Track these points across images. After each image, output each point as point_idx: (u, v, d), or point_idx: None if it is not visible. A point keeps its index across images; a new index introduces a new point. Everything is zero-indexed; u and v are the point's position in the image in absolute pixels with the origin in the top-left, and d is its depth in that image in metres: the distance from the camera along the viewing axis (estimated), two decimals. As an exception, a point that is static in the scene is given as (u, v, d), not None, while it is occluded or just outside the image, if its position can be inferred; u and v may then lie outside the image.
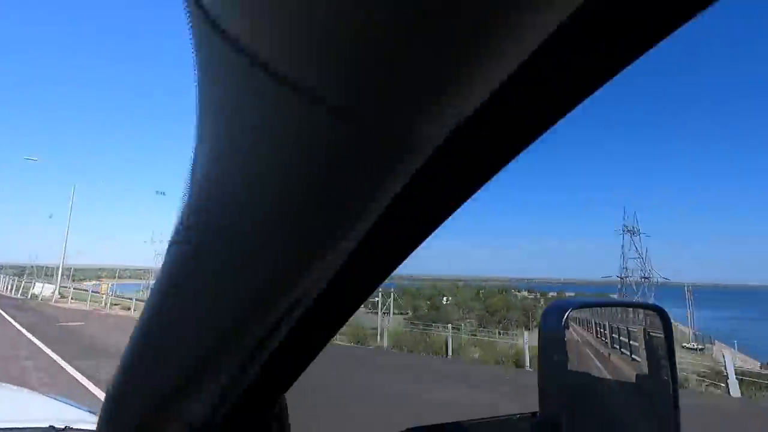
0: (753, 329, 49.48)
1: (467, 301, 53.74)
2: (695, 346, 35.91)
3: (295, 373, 0.53)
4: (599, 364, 0.94)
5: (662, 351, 0.98)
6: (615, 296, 44.09)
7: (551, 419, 0.77)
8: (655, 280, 43.89)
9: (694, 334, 39.89)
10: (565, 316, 0.80)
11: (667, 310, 0.98)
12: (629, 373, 0.97)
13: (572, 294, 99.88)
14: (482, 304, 51.38)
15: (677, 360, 0.93)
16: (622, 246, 45.98)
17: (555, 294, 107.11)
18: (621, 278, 44.99)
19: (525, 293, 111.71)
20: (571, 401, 0.80)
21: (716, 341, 36.55)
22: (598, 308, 1.04)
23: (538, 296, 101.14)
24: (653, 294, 43.43)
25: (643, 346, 1.00)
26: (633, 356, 0.99)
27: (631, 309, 1.11)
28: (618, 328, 1.01)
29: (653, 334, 0.98)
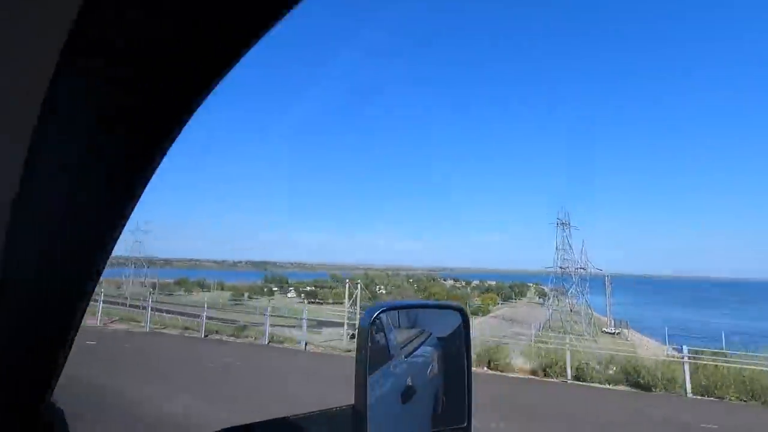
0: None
1: (399, 288, 53.40)
2: (613, 331, 39.94)
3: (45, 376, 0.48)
4: (406, 360, 1.07)
5: (461, 345, 1.14)
6: (549, 286, 49.35)
7: (361, 410, 0.86)
8: (590, 271, 45.93)
9: (612, 320, 42.78)
10: (373, 317, 0.94)
11: (463, 310, 1.19)
12: (415, 366, 1.09)
13: (492, 283, 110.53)
14: (422, 293, 51.46)
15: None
16: (556, 239, 47.51)
17: (478, 282, 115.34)
18: (561, 269, 46.47)
19: (452, 281, 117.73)
20: (380, 392, 0.92)
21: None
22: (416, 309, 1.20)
23: (464, 284, 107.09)
24: (588, 284, 45.47)
25: (444, 341, 1.15)
26: (437, 349, 1.14)
27: (438, 309, 1.23)
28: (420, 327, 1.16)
29: (454, 330, 1.15)
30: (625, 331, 38.58)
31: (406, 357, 1.09)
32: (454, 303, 1.30)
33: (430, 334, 1.17)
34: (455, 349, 1.17)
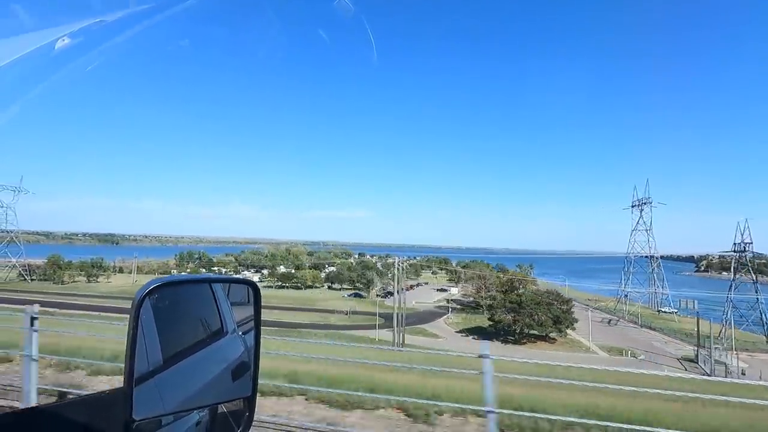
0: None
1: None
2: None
3: None
4: (189, 333, 1.10)
5: (252, 318, 1.23)
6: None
7: (128, 391, 0.86)
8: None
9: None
10: (146, 292, 0.93)
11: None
12: (199, 339, 1.11)
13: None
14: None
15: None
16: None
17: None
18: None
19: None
20: (153, 368, 0.93)
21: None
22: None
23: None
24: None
25: (234, 314, 1.20)
26: (225, 322, 1.18)
27: (229, 283, 1.25)
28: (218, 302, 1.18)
29: (246, 304, 1.23)
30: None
31: (188, 331, 1.09)
32: (245, 278, 1.34)
33: (218, 307, 1.17)
34: (246, 322, 1.21)
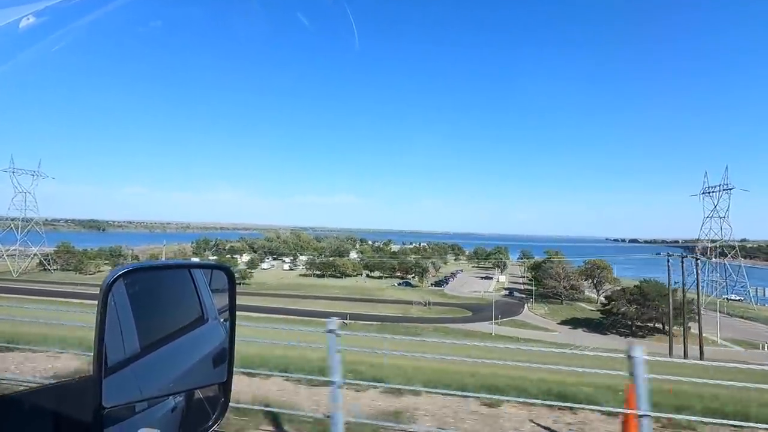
0: None
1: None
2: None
3: None
4: (163, 319, 1.08)
5: (227, 304, 1.23)
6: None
7: (97, 378, 0.84)
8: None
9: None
10: (114, 277, 0.90)
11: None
12: (172, 326, 1.09)
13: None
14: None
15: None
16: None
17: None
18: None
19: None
20: (127, 356, 0.91)
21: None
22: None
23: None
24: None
25: (209, 300, 1.20)
26: (200, 308, 1.18)
27: (203, 269, 1.24)
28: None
29: (221, 289, 1.23)
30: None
31: (167, 317, 1.09)
32: (220, 263, 1.33)
33: (198, 293, 1.17)
34: (221, 308, 1.22)
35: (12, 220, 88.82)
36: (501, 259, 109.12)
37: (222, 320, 1.21)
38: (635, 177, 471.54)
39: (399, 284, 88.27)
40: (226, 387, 1.15)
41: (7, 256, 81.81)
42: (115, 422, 0.90)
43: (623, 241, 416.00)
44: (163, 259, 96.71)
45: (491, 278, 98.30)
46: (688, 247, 73.55)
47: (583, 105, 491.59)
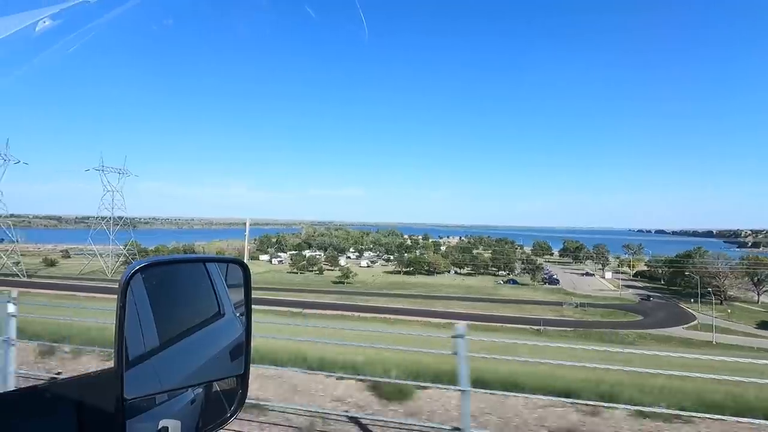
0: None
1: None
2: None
3: None
4: (181, 313, 1.09)
5: (243, 297, 1.23)
6: None
7: (119, 371, 0.86)
8: None
9: None
10: (132, 272, 0.92)
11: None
12: (191, 319, 1.10)
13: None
14: None
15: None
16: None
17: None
18: None
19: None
20: (146, 349, 0.93)
21: None
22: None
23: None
24: None
25: (225, 295, 1.21)
26: (217, 302, 1.19)
27: (218, 263, 1.24)
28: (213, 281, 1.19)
29: (235, 282, 1.23)
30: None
31: (185, 311, 1.11)
32: (235, 257, 1.32)
33: (214, 287, 1.19)
34: (238, 302, 1.22)
35: (102, 219, 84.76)
36: (600, 254, 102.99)
37: (238, 314, 1.21)
38: (659, 167, 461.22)
39: (505, 282, 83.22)
40: (243, 379, 1.16)
41: (99, 255, 77.95)
42: (137, 413, 0.92)
43: (649, 232, 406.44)
44: (246, 257, 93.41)
45: (592, 275, 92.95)
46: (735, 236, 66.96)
47: (603, 95, 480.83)
